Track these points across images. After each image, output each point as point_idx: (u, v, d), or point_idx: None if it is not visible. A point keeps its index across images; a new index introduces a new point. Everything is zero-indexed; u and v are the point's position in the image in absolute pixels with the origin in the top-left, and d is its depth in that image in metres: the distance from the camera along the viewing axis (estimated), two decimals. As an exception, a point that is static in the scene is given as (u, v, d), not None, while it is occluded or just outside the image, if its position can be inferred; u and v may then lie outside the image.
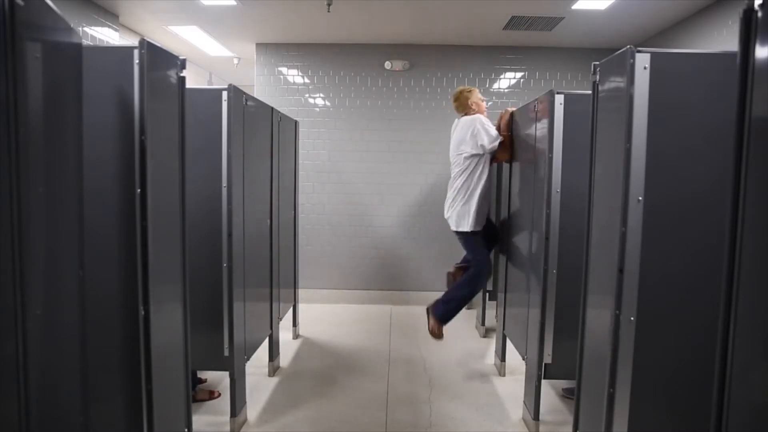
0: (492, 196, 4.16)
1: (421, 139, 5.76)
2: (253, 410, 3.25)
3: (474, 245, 3.89)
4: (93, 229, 1.60)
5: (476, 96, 3.96)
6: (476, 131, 3.70)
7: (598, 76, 2.08)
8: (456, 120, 4.02)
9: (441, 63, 5.74)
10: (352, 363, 4.12)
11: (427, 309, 3.98)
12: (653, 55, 1.84)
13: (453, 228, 3.91)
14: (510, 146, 3.71)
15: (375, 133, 5.81)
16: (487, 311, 4.83)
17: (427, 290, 5.73)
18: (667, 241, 1.88)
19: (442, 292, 4.03)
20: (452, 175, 3.92)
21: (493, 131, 3.71)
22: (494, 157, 3.82)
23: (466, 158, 3.76)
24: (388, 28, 5.10)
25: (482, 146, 3.69)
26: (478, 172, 3.76)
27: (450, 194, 3.92)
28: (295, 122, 4.70)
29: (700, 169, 1.88)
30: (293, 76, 5.80)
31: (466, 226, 3.79)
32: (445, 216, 3.99)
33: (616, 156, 1.89)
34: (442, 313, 3.88)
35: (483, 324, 4.87)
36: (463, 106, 3.95)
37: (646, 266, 1.86)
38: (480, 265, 3.87)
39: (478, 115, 3.81)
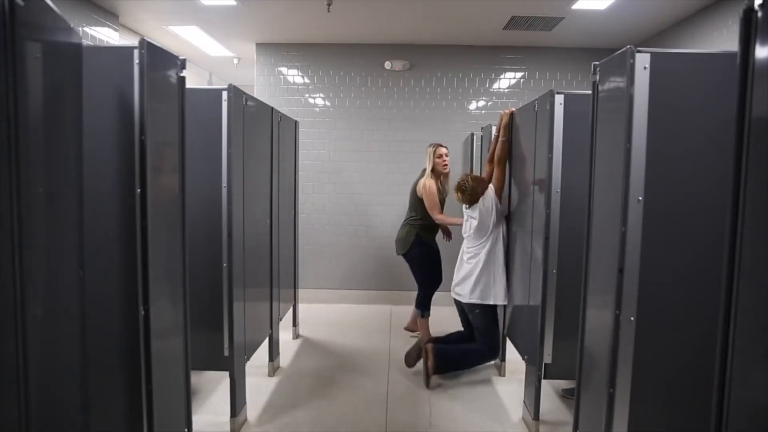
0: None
1: (421, 139, 5.75)
2: (253, 410, 3.25)
3: (491, 321, 3.76)
4: (93, 229, 1.60)
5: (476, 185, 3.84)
6: (489, 209, 3.69)
7: (598, 76, 2.08)
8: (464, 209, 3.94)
9: (441, 63, 5.74)
10: (352, 363, 4.12)
11: (424, 348, 3.76)
12: (653, 55, 1.84)
13: (474, 301, 3.71)
14: (506, 149, 3.70)
15: (375, 133, 5.81)
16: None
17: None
18: (667, 241, 1.88)
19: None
20: (468, 248, 3.80)
21: (491, 197, 3.69)
22: (496, 174, 3.80)
23: (488, 235, 3.72)
24: (388, 28, 5.10)
25: (498, 214, 3.69)
26: (499, 240, 3.71)
27: (466, 266, 3.78)
28: (295, 122, 4.70)
29: (700, 169, 1.88)
30: (293, 76, 5.80)
31: (491, 297, 3.67)
32: (456, 289, 3.81)
33: (616, 156, 1.89)
34: (443, 364, 3.74)
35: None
36: (477, 196, 3.77)
37: (646, 266, 1.86)
38: (491, 351, 3.77)
39: (482, 203, 3.74)
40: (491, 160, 3.82)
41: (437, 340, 3.94)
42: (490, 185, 3.74)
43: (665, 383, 1.94)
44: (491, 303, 3.69)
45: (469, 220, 3.78)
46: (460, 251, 3.90)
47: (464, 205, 3.84)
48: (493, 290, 3.68)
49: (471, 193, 3.72)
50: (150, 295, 1.83)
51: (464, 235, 3.86)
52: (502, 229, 3.74)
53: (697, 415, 1.77)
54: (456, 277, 3.85)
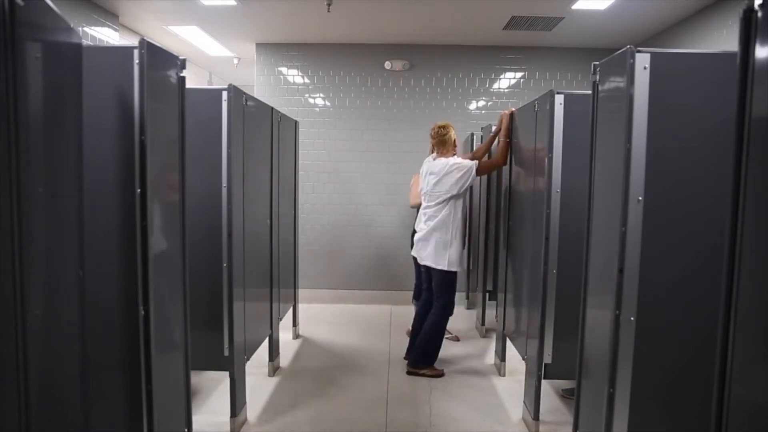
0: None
1: (421, 139, 5.75)
2: (253, 410, 3.25)
3: (450, 285, 3.86)
4: (93, 229, 1.60)
5: (454, 134, 3.87)
6: (459, 177, 3.67)
7: (598, 76, 2.08)
8: (427, 161, 3.94)
9: (441, 63, 5.74)
10: (352, 363, 4.12)
11: (409, 371, 3.89)
12: (653, 55, 1.84)
13: (431, 265, 3.81)
14: (508, 151, 3.71)
15: (375, 133, 5.81)
16: (487, 311, 4.83)
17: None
18: (667, 241, 1.88)
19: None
20: (427, 208, 3.85)
21: (469, 167, 3.67)
22: (491, 160, 3.88)
23: (446, 199, 3.73)
24: (388, 28, 5.10)
25: (464, 188, 3.72)
26: (460, 207, 3.77)
27: (424, 227, 3.85)
28: (295, 122, 4.70)
29: (700, 169, 1.88)
30: (293, 76, 5.80)
31: (446, 264, 3.76)
32: (416, 253, 3.94)
33: (616, 156, 1.89)
34: (424, 358, 3.88)
35: (483, 324, 4.87)
36: (446, 144, 3.80)
37: (646, 266, 1.86)
38: (445, 310, 3.87)
39: (453, 161, 3.72)
40: (489, 144, 3.98)
41: (411, 347, 4.02)
42: (476, 161, 3.74)
43: (665, 383, 1.94)
44: (443, 268, 3.76)
45: (428, 176, 3.83)
46: (420, 210, 3.99)
47: (428, 158, 3.92)
48: (447, 254, 3.75)
49: (444, 137, 3.78)
50: (150, 295, 1.83)
51: (421, 192, 3.93)
52: (465, 201, 3.80)
53: (697, 415, 1.77)
54: (416, 237, 3.95)
